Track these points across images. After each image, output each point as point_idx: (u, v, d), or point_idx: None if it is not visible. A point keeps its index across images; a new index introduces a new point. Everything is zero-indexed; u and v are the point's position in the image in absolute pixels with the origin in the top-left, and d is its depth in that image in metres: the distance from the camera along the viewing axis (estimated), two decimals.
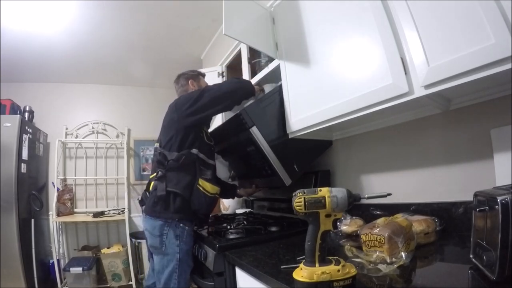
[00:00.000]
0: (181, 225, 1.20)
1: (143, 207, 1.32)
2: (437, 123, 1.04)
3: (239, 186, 1.67)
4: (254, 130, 1.23)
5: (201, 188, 1.23)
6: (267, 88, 1.52)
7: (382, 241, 0.73)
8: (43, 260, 2.60)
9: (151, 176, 1.33)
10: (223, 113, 2.02)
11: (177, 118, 1.25)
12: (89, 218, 2.70)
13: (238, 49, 1.91)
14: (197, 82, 1.49)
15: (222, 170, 2.10)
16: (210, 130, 1.54)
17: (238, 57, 1.91)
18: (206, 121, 1.32)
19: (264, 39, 1.36)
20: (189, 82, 1.46)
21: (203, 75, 1.56)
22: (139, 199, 1.44)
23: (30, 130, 2.51)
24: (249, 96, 1.38)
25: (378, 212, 1.14)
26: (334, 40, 1.05)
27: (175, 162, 1.21)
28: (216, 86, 1.33)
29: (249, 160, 1.48)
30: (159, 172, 1.24)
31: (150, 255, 1.37)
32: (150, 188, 1.29)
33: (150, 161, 3.26)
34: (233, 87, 1.31)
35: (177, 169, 1.22)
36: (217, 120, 2.06)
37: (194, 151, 1.24)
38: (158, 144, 1.37)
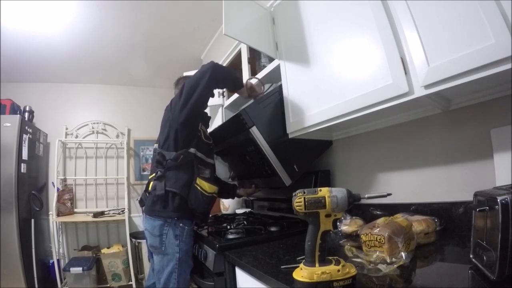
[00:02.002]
0: (180, 224, 1.20)
1: (143, 207, 1.32)
2: (437, 123, 1.04)
3: (239, 186, 1.68)
4: (254, 130, 1.23)
5: (198, 187, 1.23)
6: (267, 88, 1.53)
7: (382, 241, 0.73)
8: (43, 260, 2.60)
9: (150, 177, 1.34)
10: (223, 113, 2.02)
11: (172, 116, 1.25)
12: (89, 218, 2.69)
13: (238, 49, 1.91)
14: None
15: (222, 170, 2.10)
16: (210, 130, 1.54)
17: (238, 57, 1.91)
18: (197, 114, 1.27)
19: (264, 39, 1.36)
20: None
21: None
22: (139, 199, 1.45)
23: (30, 130, 2.51)
24: (226, 80, 1.27)
25: (378, 212, 1.14)
26: (334, 40, 1.05)
27: (173, 161, 1.21)
28: (189, 80, 1.24)
29: (249, 160, 1.48)
30: (158, 172, 1.24)
31: (150, 255, 1.37)
32: (150, 188, 1.29)
33: (150, 161, 3.26)
34: (201, 73, 1.20)
35: (176, 168, 1.22)
36: (217, 120, 2.06)
37: (192, 150, 1.24)
38: (157, 144, 1.37)
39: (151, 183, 1.29)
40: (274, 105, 1.31)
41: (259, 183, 1.59)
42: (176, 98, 1.27)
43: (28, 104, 2.81)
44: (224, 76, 1.27)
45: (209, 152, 1.34)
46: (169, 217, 1.19)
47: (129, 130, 3.32)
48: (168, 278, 1.16)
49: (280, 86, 1.33)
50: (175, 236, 1.19)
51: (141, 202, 1.40)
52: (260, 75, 1.57)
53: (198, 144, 1.27)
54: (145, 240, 1.83)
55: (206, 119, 1.44)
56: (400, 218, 0.85)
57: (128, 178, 3.17)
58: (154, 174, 1.28)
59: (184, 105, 1.19)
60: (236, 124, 1.29)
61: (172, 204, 1.19)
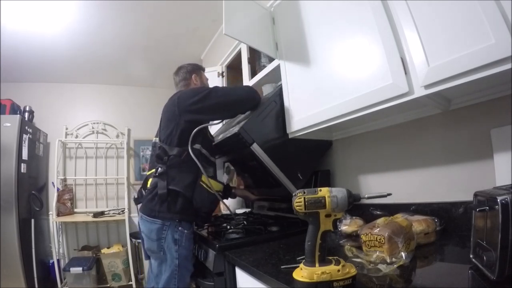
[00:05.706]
0: (180, 228, 1.14)
1: (138, 205, 1.27)
2: (437, 123, 1.04)
3: (237, 188, 1.66)
4: (255, 147, 1.19)
5: (204, 185, 1.18)
6: (267, 88, 1.52)
7: (382, 241, 0.73)
8: (43, 260, 2.61)
9: (148, 173, 1.28)
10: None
11: (178, 112, 1.18)
12: (89, 218, 2.70)
13: (238, 49, 1.91)
14: (200, 77, 1.44)
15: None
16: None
17: (238, 57, 1.91)
18: (206, 123, 1.25)
19: (264, 39, 1.36)
20: (193, 76, 1.41)
21: (203, 69, 1.52)
22: (135, 197, 1.38)
23: (30, 130, 2.52)
24: (255, 108, 1.28)
25: (378, 212, 1.14)
26: (334, 40, 1.05)
27: (176, 157, 1.16)
28: (226, 90, 1.27)
29: (253, 172, 1.46)
30: (159, 168, 1.18)
31: (146, 256, 1.29)
32: (148, 185, 1.22)
33: (149, 160, 3.26)
34: (243, 96, 1.25)
35: (179, 165, 1.16)
36: (217, 124, 2.04)
37: (197, 146, 1.19)
38: (157, 138, 1.31)
39: (150, 179, 1.22)
40: (272, 114, 1.28)
41: (266, 192, 1.57)
42: (188, 94, 1.20)
43: (28, 104, 2.81)
44: (254, 105, 1.28)
45: (212, 150, 1.29)
46: (169, 219, 1.12)
47: (129, 130, 3.32)
48: (167, 284, 1.11)
49: (279, 89, 1.33)
50: (174, 241, 1.12)
51: (137, 200, 1.33)
52: (260, 75, 1.57)
53: (203, 141, 1.21)
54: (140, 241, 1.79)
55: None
56: (400, 218, 0.85)
57: (128, 178, 3.17)
58: (153, 170, 1.22)
59: (200, 111, 1.17)
60: (236, 143, 1.23)
61: (174, 205, 1.13)
